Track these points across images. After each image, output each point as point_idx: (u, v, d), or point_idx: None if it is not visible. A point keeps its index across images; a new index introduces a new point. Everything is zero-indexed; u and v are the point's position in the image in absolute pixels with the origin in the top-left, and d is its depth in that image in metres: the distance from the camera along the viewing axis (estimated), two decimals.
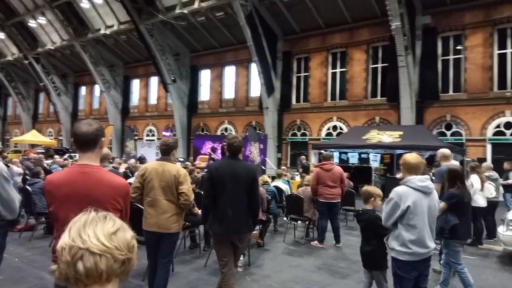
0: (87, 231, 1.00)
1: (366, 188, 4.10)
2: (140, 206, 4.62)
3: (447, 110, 17.78)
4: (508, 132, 16.53)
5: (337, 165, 7.87)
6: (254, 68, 22.57)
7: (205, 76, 27.32)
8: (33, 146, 31.70)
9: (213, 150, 19.87)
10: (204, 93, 27.35)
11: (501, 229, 6.65)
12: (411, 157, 3.50)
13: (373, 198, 3.99)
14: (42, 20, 29.70)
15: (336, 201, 7.30)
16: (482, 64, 17.07)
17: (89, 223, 1.03)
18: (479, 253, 7.14)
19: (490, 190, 7.58)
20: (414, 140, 14.07)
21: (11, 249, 6.20)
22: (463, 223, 4.49)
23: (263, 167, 17.84)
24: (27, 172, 9.83)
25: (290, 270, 5.82)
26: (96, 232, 1.00)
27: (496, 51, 16.99)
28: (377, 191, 4.06)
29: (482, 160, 14.19)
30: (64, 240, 1.01)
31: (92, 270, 0.98)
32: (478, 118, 16.99)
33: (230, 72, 26.03)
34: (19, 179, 8.65)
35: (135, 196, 4.07)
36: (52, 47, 31.25)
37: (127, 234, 1.05)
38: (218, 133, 25.45)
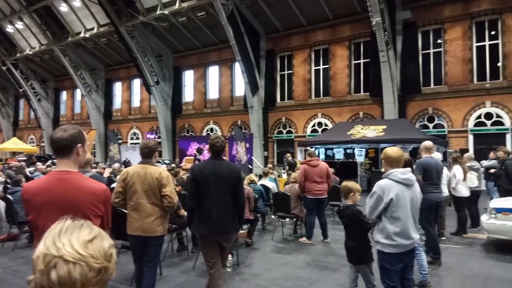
0: (62, 239, 0.97)
1: (346, 183, 4.13)
2: (124, 211, 4.56)
3: (429, 103, 18.06)
4: (488, 122, 16.87)
5: (323, 161, 7.90)
6: (237, 67, 22.53)
7: (188, 76, 27.16)
8: (14, 154, 31.04)
9: (199, 151, 19.76)
10: (188, 94, 27.19)
11: (484, 218, 6.77)
12: (392, 150, 3.54)
13: (352, 193, 4.02)
14: (19, 25, 29.11)
15: (324, 197, 7.34)
16: (462, 56, 17.38)
17: (64, 231, 1.00)
18: (464, 242, 7.25)
19: (473, 180, 7.71)
20: (397, 134, 14.24)
21: None
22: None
23: (249, 166, 17.84)
24: (8, 180, 9.61)
25: (279, 268, 5.81)
26: (71, 240, 0.97)
27: (475, 44, 17.32)
28: (356, 186, 4.09)
29: (465, 151, 14.44)
30: (39, 249, 0.98)
31: (65, 279, 0.94)
32: (460, 110, 17.30)
33: (213, 72, 25.93)
34: (0, 188, 8.45)
35: (118, 201, 4.01)
36: (31, 52, 30.65)
37: (105, 242, 1.02)
38: (204, 133, 25.34)
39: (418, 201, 3.53)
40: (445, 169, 6.76)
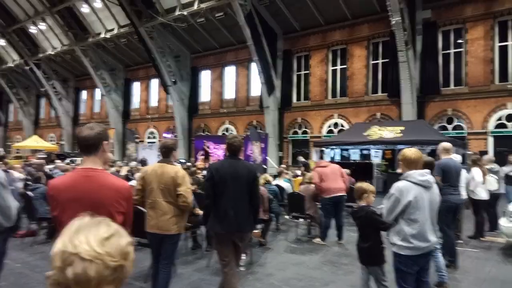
0: (79, 237, 0.99)
1: (360, 184, 4.10)
2: (141, 209, 4.64)
3: (449, 104, 17.71)
4: (509, 124, 16.45)
5: (338, 162, 7.92)
6: (254, 67, 22.55)
7: (205, 77, 27.33)
8: (34, 151, 31.82)
9: (206, 155, 19.83)
10: (205, 94, 27.36)
11: (502, 222, 6.61)
12: (410, 152, 3.49)
13: (366, 194, 3.98)
14: (42, 25, 29.79)
15: (341, 195, 7.31)
16: (483, 57, 16.99)
17: (82, 229, 1.01)
18: (481, 245, 7.11)
19: (492, 183, 7.54)
20: (415, 135, 14.01)
21: (13, 255, 6.22)
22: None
23: (264, 166, 17.85)
24: (29, 177, 9.85)
25: (293, 268, 5.81)
26: (88, 238, 0.98)
27: (497, 44, 16.91)
28: (370, 187, 4.06)
29: (484, 153, 14.12)
30: (57, 245, 1.00)
31: (81, 276, 0.96)
32: (480, 111, 16.92)
33: (230, 72, 26.03)
34: (20, 184, 8.67)
35: (137, 199, 4.10)
36: (53, 52, 31.33)
37: (122, 240, 1.03)
38: (219, 133, 25.46)
39: (437, 203, 3.48)
40: (463, 172, 6.63)
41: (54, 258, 0.98)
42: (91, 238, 0.98)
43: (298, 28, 22.04)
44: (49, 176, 9.06)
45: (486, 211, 7.70)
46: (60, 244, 0.99)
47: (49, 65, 33.35)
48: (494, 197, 7.75)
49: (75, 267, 0.95)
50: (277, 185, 9.06)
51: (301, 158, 17.22)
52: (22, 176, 9.60)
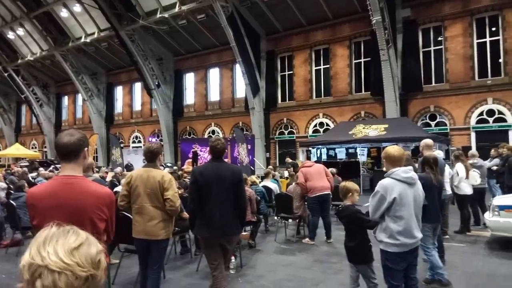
0: (46, 248, 0.95)
1: (344, 184, 4.14)
2: (128, 215, 4.57)
3: (431, 101, 18.02)
4: (490, 119, 16.82)
5: (325, 161, 7.98)
6: (238, 69, 22.54)
7: (189, 79, 27.20)
8: (17, 159, 31.14)
9: (195, 155, 19.73)
10: (189, 97, 27.24)
11: (487, 215, 6.74)
12: (394, 149, 3.53)
13: (351, 194, 4.02)
14: (20, 31, 29.21)
15: (327, 193, 7.37)
16: (463, 53, 17.34)
17: (49, 239, 0.98)
18: (467, 240, 7.23)
19: (475, 178, 7.67)
20: (399, 133, 14.21)
21: None
22: (431, 206, 4.54)
23: (251, 167, 17.83)
24: (11, 186, 9.64)
25: (283, 269, 5.80)
26: (56, 249, 0.95)
27: (476, 40, 17.28)
28: (355, 186, 4.12)
29: (467, 148, 14.38)
30: (25, 258, 0.96)
31: None
32: (461, 107, 17.26)
33: (214, 74, 25.96)
34: (2, 194, 8.47)
35: (123, 204, 4.03)
36: (32, 58, 30.76)
37: (92, 248, 1.00)
38: (205, 136, 25.35)
39: (421, 200, 3.53)
40: (447, 167, 6.74)
41: (22, 270, 0.95)
42: (59, 248, 0.95)
43: (280, 29, 22.12)
44: (32, 184, 8.86)
45: (471, 206, 7.83)
46: (28, 256, 0.95)
47: (29, 71, 32.71)
48: (479, 191, 7.90)
49: (44, 280, 0.91)
50: (265, 186, 9.05)
51: (289, 160, 17.27)
52: (4, 185, 9.38)
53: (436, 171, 4.83)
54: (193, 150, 19.84)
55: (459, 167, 7.34)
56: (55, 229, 1.01)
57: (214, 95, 26.02)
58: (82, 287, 0.95)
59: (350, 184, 4.11)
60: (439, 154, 6.84)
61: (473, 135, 17.04)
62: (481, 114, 17.00)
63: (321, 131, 20.79)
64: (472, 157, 8.34)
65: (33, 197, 2.19)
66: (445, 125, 17.79)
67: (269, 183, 9.61)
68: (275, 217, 8.48)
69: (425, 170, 4.82)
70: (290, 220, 8.03)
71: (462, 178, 7.28)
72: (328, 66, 21.16)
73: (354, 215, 3.83)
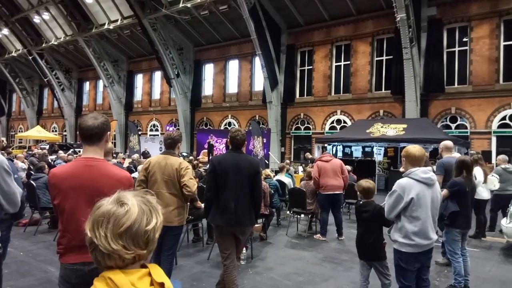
0: (99, 229, 1.05)
1: (368, 184, 4.08)
2: None
3: (452, 102, 17.65)
4: None
5: (340, 159, 7.88)
6: (257, 61, 22.48)
7: (208, 70, 27.28)
8: (37, 141, 31.91)
9: (210, 147, 19.86)
10: (208, 88, 27.34)
11: (504, 221, 6.61)
12: (415, 149, 3.48)
13: (373, 194, 4.09)
14: (46, 15, 29.73)
15: (338, 193, 7.31)
16: (488, 56, 16.89)
17: (103, 220, 1.06)
18: (482, 245, 7.12)
19: (494, 182, 7.51)
20: (418, 133, 13.99)
21: (16, 243, 6.27)
22: (463, 212, 4.49)
23: (266, 161, 17.87)
24: (31, 167, 9.89)
25: (293, 263, 5.83)
26: (106, 233, 1.04)
27: (503, 43, 16.80)
28: (374, 185, 4.16)
29: (487, 152, 14.08)
30: (87, 225, 1.08)
31: (100, 263, 1.07)
32: (483, 110, 16.85)
33: (233, 66, 25.96)
34: (23, 174, 8.71)
35: (140, 190, 4.08)
36: (56, 43, 31.30)
37: (141, 226, 1.06)
38: (222, 127, 25.46)
39: (439, 201, 3.49)
40: None
41: (86, 235, 1.09)
42: (108, 233, 1.06)
43: (302, 23, 21.93)
44: (52, 166, 9.08)
45: (490, 211, 7.68)
46: (87, 226, 1.09)
47: (52, 55, 33.32)
48: (498, 197, 7.73)
49: (97, 254, 1.08)
50: (279, 180, 9.07)
51: (309, 155, 17.25)
52: (25, 166, 9.64)
53: (471, 176, 4.74)
54: (208, 141, 20.00)
55: (478, 171, 7.19)
56: (110, 206, 1.08)
57: (232, 87, 26.05)
58: (130, 262, 1.06)
59: (372, 185, 4.10)
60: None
61: (494, 139, 16.65)
62: (503, 118, 16.57)
63: (338, 128, 20.63)
64: (503, 162, 8.08)
65: (55, 177, 2.25)
66: (466, 128, 17.42)
67: (283, 177, 9.62)
68: (288, 212, 8.49)
69: (460, 174, 4.65)
70: (302, 215, 8.03)
71: (480, 183, 7.13)
72: (348, 62, 20.91)
73: (378, 211, 3.83)
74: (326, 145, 17.17)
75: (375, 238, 3.81)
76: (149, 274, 1.10)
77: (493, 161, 14.83)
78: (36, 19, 30.72)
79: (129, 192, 1.15)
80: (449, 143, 5.91)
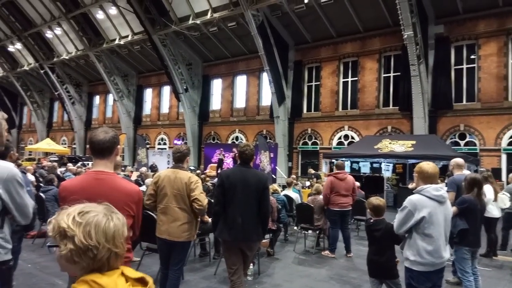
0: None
1: (379, 202, 4.06)
2: (151, 213, 4.67)
3: (461, 119, 17.57)
4: None
5: (348, 174, 7.80)
6: (265, 77, 22.65)
7: (216, 85, 27.52)
8: (47, 154, 32.19)
9: (220, 163, 19.89)
10: (216, 102, 27.53)
11: None
12: (428, 166, 3.44)
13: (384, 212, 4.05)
14: (58, 30, 30.39)
15: (348, 209, 7.26)
16: (497, 73, 16.87)
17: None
18: (493, 264, 6.99)
19: (504, 201, 7.41)
20: (427, 150, 13.90)
21: (24, 256, 6.27)
22: (472, 230, 4.43)
23: (273, 176, 17.83)
24: (41, 179, 9.97)
25: (301, 280, 5.76)
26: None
27: (511, 60, 16.78)
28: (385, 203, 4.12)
29: (497, 170, 13.92)
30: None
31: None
32: (493, 127, 16.74)
33: (241, 81, 26.18)
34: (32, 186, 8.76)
35: (150, 203, 4.10)
36: (67, 57, 31.88)
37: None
38: (229, 141, 25.54)
39: (450, 219, 3.46)
40: None
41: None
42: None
43: (309, 39, 22.14)
44: (61, 179, 9.15)
45: (502, 229, 7.57)
46: None
47: (63, 69, 33.90)
48: (510, 215, 7.62)
49: None
50: (286, 195, 9.03)
51: (312, 170, 17.19)
52: (33, 178, 9.71)
53: (482, 194, 4.70)
54: (218, 156, 20.04)
55: (488, 189, 7.11)
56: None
57: (240, 102, 26.22)
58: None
59: (382, 202, 4.08)
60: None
61: (503, 157, 16.48)
62: None
63: (346, 144, 20.57)
64: None
65: (66, 190, 2.28)
66: (475, 145, 17.29)
67: (290, 192, 9.58)
68: (295, 227, 8.43)
69: (471, 191, 4.61)
70: (310, 231, 7.96)
71: (490, 200, 7.04)
72: (356, 78, 20.99)
73: (390, 229, 3.80)
74: (333, 160, 17.10)
75: (388, 257, 3.77)
76: (122, 273, 1.20)
77: (503, 178, 14.65)
78: (49, 34, 31.40)
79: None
80: (460, 160, 5.87)
